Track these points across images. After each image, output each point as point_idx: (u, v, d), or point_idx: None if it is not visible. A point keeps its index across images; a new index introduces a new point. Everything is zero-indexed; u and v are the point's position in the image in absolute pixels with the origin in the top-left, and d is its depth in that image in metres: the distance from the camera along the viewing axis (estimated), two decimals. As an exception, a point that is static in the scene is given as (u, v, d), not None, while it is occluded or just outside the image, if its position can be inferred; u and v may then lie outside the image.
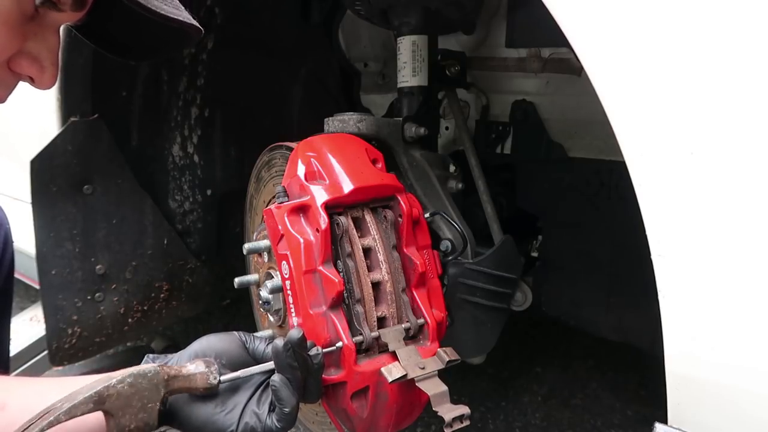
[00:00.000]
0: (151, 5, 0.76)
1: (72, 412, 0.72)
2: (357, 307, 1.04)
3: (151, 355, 0.89)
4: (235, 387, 0.90)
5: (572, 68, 1.50)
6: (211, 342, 0.92)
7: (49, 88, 0.84)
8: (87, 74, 1.51)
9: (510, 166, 1.71)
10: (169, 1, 0.82)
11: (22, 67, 0.80)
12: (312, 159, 1.10)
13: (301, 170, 1.10)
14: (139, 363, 0.84)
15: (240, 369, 0.89)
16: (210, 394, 0.86)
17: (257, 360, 0.94)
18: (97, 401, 0.73)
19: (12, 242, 1.35)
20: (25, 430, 0.70)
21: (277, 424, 0.86)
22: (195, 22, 0.84)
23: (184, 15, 0.83)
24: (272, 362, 0.89)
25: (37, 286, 1.61)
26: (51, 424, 0.70)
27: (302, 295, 1.03)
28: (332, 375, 1.02)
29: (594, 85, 0.74)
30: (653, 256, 0.73)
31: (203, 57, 1.75)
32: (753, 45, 0.64)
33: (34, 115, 1.58)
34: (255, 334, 0.98)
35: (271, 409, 0.88)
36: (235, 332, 0.96)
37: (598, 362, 2.30)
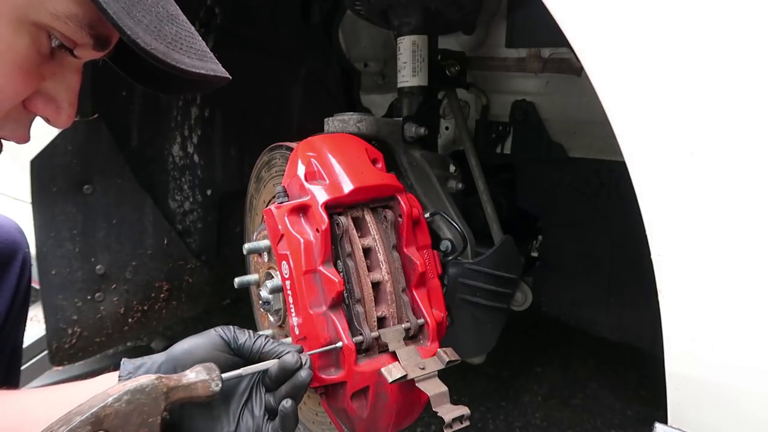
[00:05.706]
0: (170, 59, 0.70)
1: None
2: (357, 307, 1.04)
3: (126, 360, 0.85)
4: (226, 392, 0.86)
5: (572, 68, 1.50)
6: (192, 351, 0.86)
7: (64, 127, 0.80)
8: (87, 74, 1.50)
9: (510, 166, 1.70)
10: (194, 51, 0.75)
11: (37, 108, 0.76)
12: (312, 159, 1.10)
13: (301, 170, 1.10)
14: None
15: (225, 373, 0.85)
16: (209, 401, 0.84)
17: (244, 356, 0.89)
18: (95, 423, 0.71)
19: (31, 265, 1.28)
20: None
21: None
22: (219, 72, 0.77)
23: (208, 66, 0.76)
24: (268, 362, 0.87)
25: (37, 286, 1.61)
26: None
27: (302, 295, 1.03)
28: (332, 375, 1.02)
29: (594, 85, 0.74)
30: (653, 256, 0.73)
31: (203, 57, 1.75)
32: (753, 45, 0.64)
33: (34, 115, 1.57)
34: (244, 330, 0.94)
35: (268, 417, 0.87)
36: (214, 331, 0.89)
37: (598, 362, 2.30)
